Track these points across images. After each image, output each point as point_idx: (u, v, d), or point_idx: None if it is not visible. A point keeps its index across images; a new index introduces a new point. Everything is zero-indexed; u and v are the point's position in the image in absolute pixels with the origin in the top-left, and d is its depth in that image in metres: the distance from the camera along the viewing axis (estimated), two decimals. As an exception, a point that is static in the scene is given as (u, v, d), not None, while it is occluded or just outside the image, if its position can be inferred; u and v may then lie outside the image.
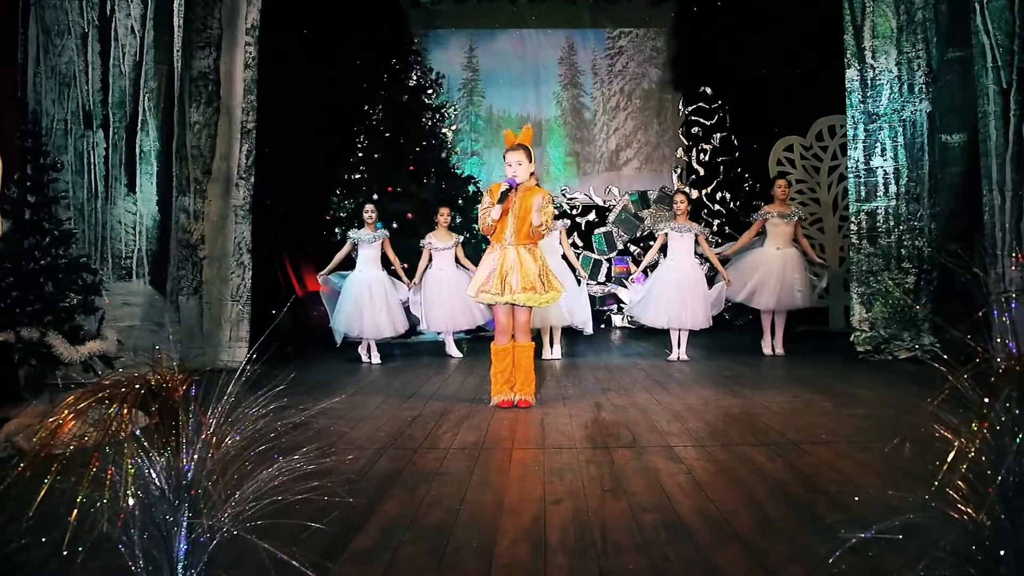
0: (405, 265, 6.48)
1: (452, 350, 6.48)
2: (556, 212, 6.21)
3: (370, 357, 6.18)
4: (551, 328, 6.22)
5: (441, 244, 6.33)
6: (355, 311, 6.05)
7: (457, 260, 6.39)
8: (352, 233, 6.34)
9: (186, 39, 5.56)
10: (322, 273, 6.29)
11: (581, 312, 6.07)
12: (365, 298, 6.05)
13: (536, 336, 5.89)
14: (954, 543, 1.36)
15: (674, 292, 5.84)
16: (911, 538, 1.43)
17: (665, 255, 6.06)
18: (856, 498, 2.20)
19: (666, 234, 6.02)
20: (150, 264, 5.23)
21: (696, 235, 5.96)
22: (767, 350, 6.04)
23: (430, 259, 6.38)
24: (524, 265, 3.94)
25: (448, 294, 6.21)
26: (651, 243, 6.27)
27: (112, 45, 5.14)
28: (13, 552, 1.58)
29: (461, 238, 6.51)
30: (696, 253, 6.04)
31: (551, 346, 6.21)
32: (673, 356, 5.94)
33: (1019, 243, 4.76)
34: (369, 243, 6.22)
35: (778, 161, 9.05)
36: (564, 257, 6.16)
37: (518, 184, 3.96)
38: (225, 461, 1.52)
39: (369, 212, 6.27)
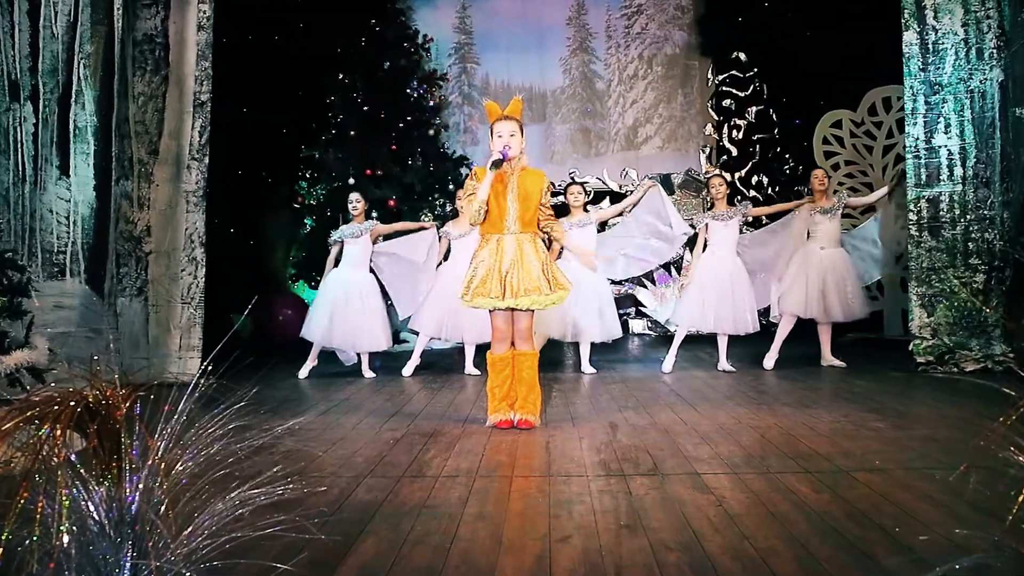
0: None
1: (414, 359, 6.32)
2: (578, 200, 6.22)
3: (359, 364, 6.21)
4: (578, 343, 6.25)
5: (459, 232, 6.18)
6: (324, 316, 6.05)
7: None
8: (335, 234, 6.27)
9: (129, -5, 5.57)
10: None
11: (614, 323, 6.12)
12: (340, 302, 6.04)
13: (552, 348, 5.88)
14: (1031, 587, 1.36)
15: (716, 291, 5.92)
16: (980, 581, 1.43)
17: (704, 248, 6.13)
18: (917, 535, 2.20)
19: (707, 225, 6.10)
20: (87, 260, 5.23)
21: (740, 220, 6.06)
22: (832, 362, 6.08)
23: (448, 252, 6.31)
24: (526, 260, 3.87)
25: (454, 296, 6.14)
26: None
27: (42, 3, 5.14)
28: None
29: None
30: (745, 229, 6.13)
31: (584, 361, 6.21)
32: (722, 366, 6.03)
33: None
34: (355, 238, 6.17)
35: (824, 139, 9.06)
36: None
37: (510, 156, 3.89)
38: (176, 491, 1.52)
39: (354, 202, 6.20)
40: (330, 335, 6.05)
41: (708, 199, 6.32)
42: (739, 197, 9.85)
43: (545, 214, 4.02)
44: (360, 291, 6.12)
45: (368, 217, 6.42)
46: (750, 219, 6.46)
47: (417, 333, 6.48)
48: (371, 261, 6.26)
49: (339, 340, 6.10)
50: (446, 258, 6.33)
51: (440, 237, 6.34)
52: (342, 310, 6.03)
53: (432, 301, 6.17)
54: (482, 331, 6.05)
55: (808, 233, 6.23)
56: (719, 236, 6.05)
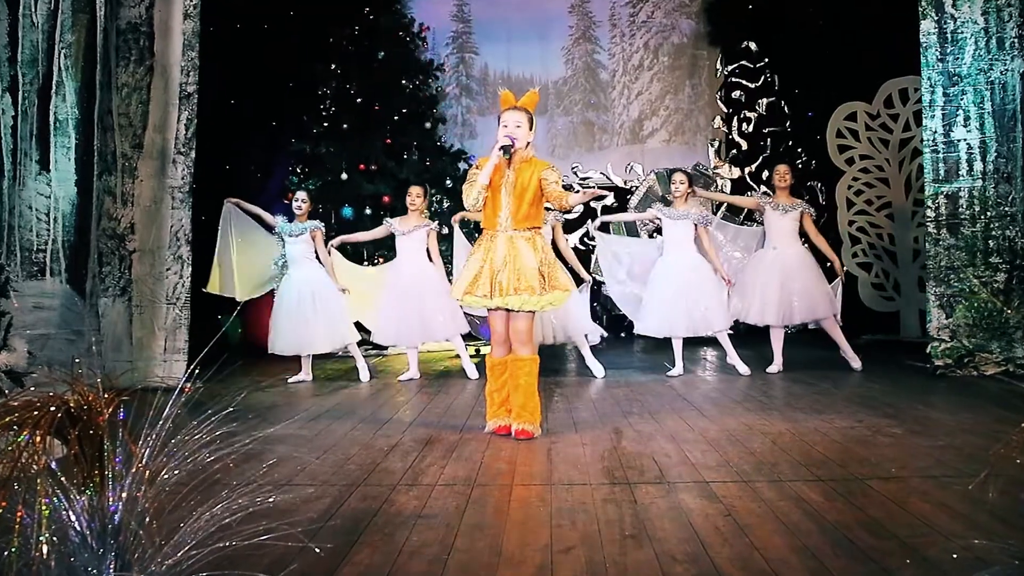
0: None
1: (411, 371, 6.24)
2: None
3: (308, 375, 6.18)
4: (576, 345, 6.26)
5: (404, 229, 6.16)
6: (283, 325, 6.05)
7: (429, 256, 6.21)
8: (281, 222, 6.30)
9: (112, -18, 5.57)
10: (233, 200, 6.40)
11: (577, 323, 6.08)
12: (293, 307, 6.04)
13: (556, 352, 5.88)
14: (1054, 600, 1.36)
15: (671, 295, 5.91)
16: (1001, 594, 1.43)
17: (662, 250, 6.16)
18: (935, 546, 2.20)
19: (659, 218, 6.13)
20: (68, 259, 5.22)
21: (695, 224, 6.01)
22: (772, 369, 6.05)
23: (390, 245, 6.27)
24: (521, 258, 3.85)
25: (402, 297, 6.05)
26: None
27: (21, -10, 5.14)
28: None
29: (435, 224, 6.29)
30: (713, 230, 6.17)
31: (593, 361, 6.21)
32: (675, 371, 6.05)
33: None
34: (293, 237, 6.17)
35: (838, 132, 9.06)
36: (559, 258, 6.15)
37: (515, 148, 3.88)
38: (160, 499, 1.53)
39: (299, 201, 6.23)
40: (298, 343, 6.07)
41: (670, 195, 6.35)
42: (750, 192, 9.87)
43: (551, 191, 3.91)
44: (312, 290, 6.11)
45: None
46: (710, 226, 6.34)
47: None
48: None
49: (307, 346, 6.09)
50: (390, 256, 6.33)
51: (384, 225, 6.31)
52: (295, 315, 6.04)
53: (386, 309, 6.15)
54: (447, 325, 6.05)
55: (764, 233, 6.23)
56: (669, 234, 6.06)
